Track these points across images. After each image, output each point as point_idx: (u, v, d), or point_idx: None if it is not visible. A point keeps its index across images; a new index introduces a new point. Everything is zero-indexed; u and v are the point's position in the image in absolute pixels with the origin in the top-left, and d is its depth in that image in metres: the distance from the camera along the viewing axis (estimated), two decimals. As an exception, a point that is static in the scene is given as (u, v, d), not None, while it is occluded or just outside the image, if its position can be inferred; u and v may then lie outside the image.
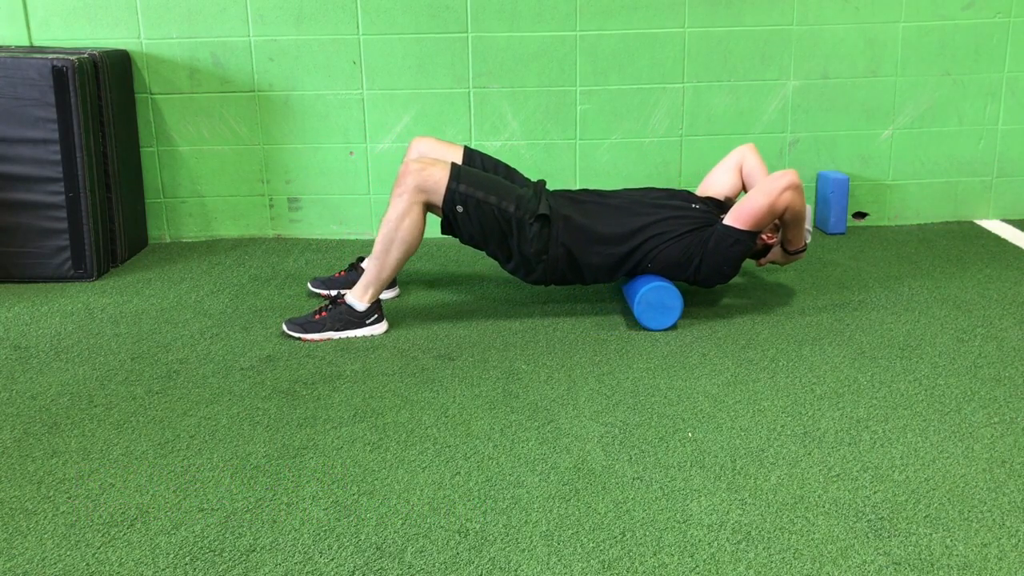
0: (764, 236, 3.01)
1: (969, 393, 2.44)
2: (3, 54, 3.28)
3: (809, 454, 2.14)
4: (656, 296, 2.85)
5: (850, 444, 2.18)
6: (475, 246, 2.91)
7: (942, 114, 3.90)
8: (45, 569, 1.76)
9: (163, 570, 1.75)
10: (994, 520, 1.88)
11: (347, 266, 3.28)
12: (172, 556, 1.79)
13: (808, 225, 3.07)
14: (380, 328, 2.90)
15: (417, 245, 2.83)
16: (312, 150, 3.82)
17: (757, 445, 2.18)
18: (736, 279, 3.34)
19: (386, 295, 3.16)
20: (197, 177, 3.84)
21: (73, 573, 1.75)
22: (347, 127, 3.79)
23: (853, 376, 2.55)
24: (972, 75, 3.86)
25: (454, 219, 2.81)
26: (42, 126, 3.25)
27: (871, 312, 3.01)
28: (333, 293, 3.15)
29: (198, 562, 1.78)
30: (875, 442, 2.19)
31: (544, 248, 2.86)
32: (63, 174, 3.29)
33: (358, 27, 3.70)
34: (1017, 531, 1.84)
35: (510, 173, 3.08)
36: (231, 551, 1.81)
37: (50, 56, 3.24)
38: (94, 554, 1.80)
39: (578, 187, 3.81)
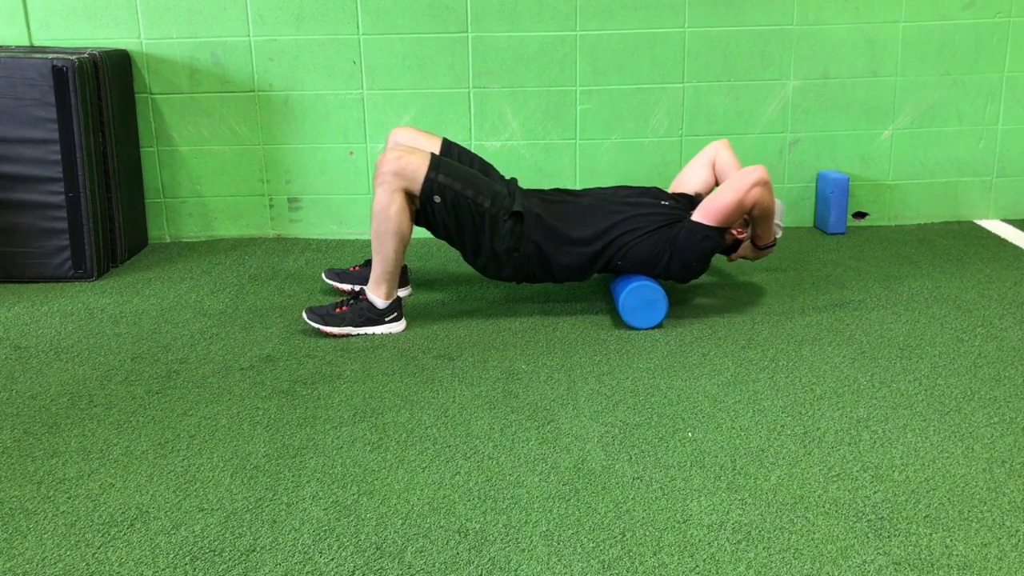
0: (734, 231, 3.00)
1: (969, 393, 2.44)
2: (3, 54, 3.28)
3: (809, 454, 2.14)
4: (638, 296, 2.85)
5: (850, 444, 2.18)
6: (448, 240, 2.91)
7: (942, 114, 3.90)
8: (45, 569, 1.77)
9: (163, 570, 1.75)
10: (994, 520, 1.88)
11: (363, 261, 3.26)
12: (172, 556, 1.79)
13: (778, 220, 3.07)
14: (399, 326, 2.91)
15: (409, 231, 2.82)
16: (312, 150, 3.82)
17: (757, 445, 2.18)
18: (736, 280, 3.34)
19: (400, 293, 3.16)
20: (197, 177, 3.84)
21: (73, 573, 1.75)
22: (347, 127, 3.79)
23: (853, 376, 2.55)
24: (972, 75, 3.86)
25: (431, 209, 2.80)
26: (42, 126, 3.25)
27: (871, 312, 3.01)
28: (348, 287, 3.17)
29: (198, 562, 1.78)
30: (875, 442, 2.19)
31: (516, 246, 2.86)
32: (63, 174, 3.29)
33: (358, 27, 3.70)
34: (1017, 531, 1.84)
35: (486, 168, 3.08)
36: (231, 551, 1.81)
37: (50, 56, 3.24)
38: (94, 554, 1.80)
39: (578, 188, 3.81)
